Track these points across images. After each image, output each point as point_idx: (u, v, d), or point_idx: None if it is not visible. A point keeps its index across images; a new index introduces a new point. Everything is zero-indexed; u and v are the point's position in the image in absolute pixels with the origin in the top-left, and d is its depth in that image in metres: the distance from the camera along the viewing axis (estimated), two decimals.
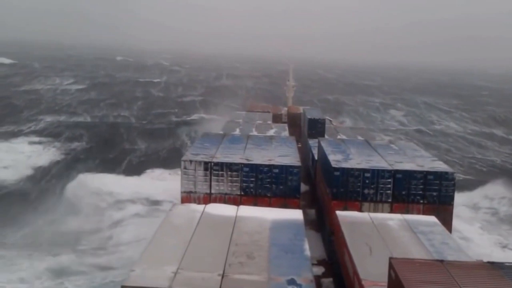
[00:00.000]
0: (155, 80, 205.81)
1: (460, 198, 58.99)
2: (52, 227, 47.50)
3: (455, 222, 32.07)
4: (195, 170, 30.04)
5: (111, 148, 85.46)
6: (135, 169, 71.04)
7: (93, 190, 57.09)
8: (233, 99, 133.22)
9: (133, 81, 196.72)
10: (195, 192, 30.07)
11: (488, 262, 17.21)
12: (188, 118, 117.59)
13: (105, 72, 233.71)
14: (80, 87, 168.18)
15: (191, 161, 30.18)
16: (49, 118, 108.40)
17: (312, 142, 45.90)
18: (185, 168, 30.10)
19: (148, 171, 69.46)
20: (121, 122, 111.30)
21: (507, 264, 17.07)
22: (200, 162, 30.20)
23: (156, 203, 55.13)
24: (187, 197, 30.01)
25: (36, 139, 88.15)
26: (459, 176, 73.73)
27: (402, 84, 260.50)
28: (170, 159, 74.89)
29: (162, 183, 63.13)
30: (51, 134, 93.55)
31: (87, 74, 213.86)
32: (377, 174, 29.90)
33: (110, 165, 72.94)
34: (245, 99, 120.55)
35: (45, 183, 65.26)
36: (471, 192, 64.13)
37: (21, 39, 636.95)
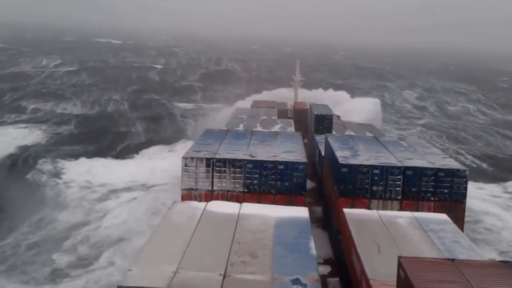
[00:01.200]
0: (150, 65, 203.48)
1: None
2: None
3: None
4: (196, 167, 29.42)
5: (101, 133, 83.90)
6: (126, 154, 71.41)
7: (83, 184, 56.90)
8: (234, 84, 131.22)
9: (128, 65, 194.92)
10: (196, 189, 29.43)
11: (501, 261, 16.59)
12: (182, 104, 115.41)
13: (99, 55, 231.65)
14: (70, 69, 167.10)
15: (192, 158, 29.57)
16: (36, 102, 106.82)
17: (319, 138, 45.20)
18: (186, 165, 29.48)
19: (139, 156, 70.20)
20: (113, 106, 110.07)
21: None
22: (202, 158, 29.57)
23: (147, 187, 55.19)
24: (188, 195, 29.37)
25: (22, 124, 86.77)
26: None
27: (416, 67, 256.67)
28: (164, 141, 75.24)
29: (153, 163, 63.92)
30: (38, 118, 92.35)
31: (79, 57, 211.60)
32: (386, 170, 29.15)
33: (99, 151, 72.23)
34: (248, 84, 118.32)
35: (29, 171, 61.67)
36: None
37: (14, 21, 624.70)
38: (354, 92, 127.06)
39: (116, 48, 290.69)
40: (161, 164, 62.73)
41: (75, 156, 66.99)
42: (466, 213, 29.84)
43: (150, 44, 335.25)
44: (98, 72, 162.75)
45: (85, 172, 60.65)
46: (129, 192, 54.69)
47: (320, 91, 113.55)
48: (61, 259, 38.73)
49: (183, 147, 57.73)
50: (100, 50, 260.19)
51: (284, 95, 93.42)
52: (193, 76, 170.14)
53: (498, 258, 18.57)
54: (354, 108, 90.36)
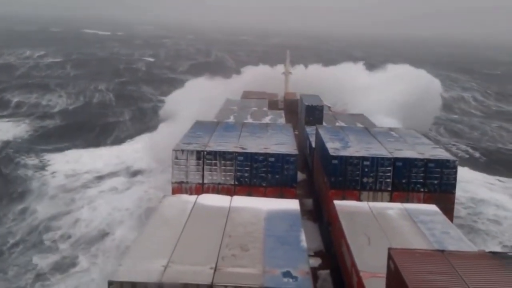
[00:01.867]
0: (139, 57, 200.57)
1: None
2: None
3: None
4: (186, 159, 29.30)
5: (87, 125, 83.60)
6: (113, 144, 72.07)
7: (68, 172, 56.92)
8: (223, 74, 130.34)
9: (115, 56, 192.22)
10: (187, 182, 29.33)
11: (490, 252, 16.67)
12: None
13: (86, 47, 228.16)
14: (54, 60, 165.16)
15: (182, 151, 29.43)
16: (20, 94, 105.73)
17: (310, 130, 45.15)
18: (176, 158, 29.34)
19: (127, 144, 71.52)
20: (99, 97, 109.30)
21: (510, 254, 16.49)
22: (192, 151, 29.45)
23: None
24: (178, 188, 29.26)
25: (5, 117, 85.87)
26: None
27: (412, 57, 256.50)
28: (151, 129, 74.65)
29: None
30: (22, 112, 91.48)
31: (65, 49, 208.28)
32: (376, 162, 29.20)
33: (86, 142, 72.37)
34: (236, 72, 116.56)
35: (13, 165, 61.39)
36: None
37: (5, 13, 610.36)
38: None
39: (103, 39, 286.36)
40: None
41: (61, 149, 66.96)
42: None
43: (139, 35, 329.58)
44: (84, 64, 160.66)
45: (72, 161, 61.32)
46: (113, 178, 55.67)
47: (317, 68, 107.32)
48: (42, 261, 38.17)
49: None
50: (87, 41, 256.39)
51: (268, 73, 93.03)
52: (182, 67, 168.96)
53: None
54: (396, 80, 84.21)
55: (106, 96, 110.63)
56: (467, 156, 76.78)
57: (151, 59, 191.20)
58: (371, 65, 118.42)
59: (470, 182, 58.08)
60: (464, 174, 54.90)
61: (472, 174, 63.64)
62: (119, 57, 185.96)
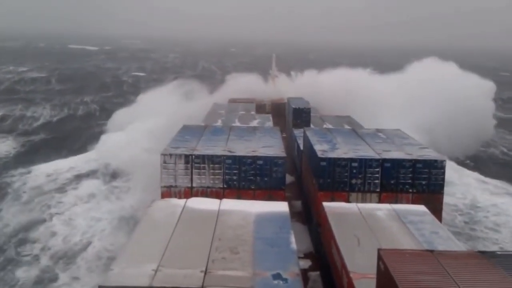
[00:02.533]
0: (125, 71, 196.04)
1: None
2: None
3: None
4: (175, 163, 29.24)
5: (72, 138, 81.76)
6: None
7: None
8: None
9: (102, 70, 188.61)
10: (176, 186, 29.28)
11: (479, 252, 16.75)
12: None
13: (74, 61, 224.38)
14: (40, 75, 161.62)
15: (171, 155, 29.38)
16: (3, 107, 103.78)
17: (297, 132, 45.24)
18: (164, 162, 29.28)
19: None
20: (83, 110, 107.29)
21: (499, 253, 16.59)
22: (180, 155, 29.39)
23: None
24: (167, 192, 29.20)
25: None
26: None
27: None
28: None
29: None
30: (6, 124, 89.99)
31: (51, 64, 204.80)
32: (364, 163, 29.30)
33: (71, 153, 70.61)
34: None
35: None
36: None
37: None
38: None
39: (90, 53, 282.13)
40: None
41: (46, 161, 65.34)
42: None
43: (126, 48, 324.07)
44: (69, 78, 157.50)
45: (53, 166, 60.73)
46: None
47: (314, 75, 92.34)
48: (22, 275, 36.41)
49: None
50: (73, 56, 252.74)
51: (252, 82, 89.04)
52: (168, 80, 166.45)
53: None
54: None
55: (91, 108, 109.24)
56: None
57: (139, 73, 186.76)
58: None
59: None
60: None
61: None
62: (105, 71, 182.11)
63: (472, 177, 60.68)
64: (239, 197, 28.29)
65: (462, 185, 56.13)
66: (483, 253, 16.50)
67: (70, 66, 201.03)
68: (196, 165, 29.25)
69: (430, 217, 25.37)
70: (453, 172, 56.09)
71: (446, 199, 32.99)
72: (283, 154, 30.24)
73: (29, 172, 58.50)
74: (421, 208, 26.65)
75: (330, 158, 29.45)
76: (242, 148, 31.17)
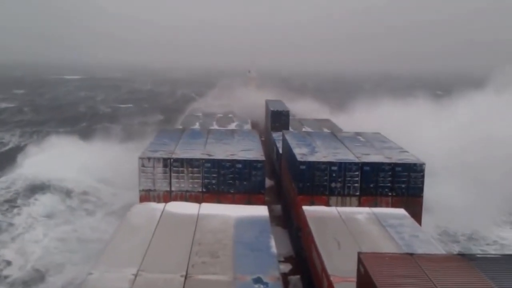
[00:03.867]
0: (100, 100, 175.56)
1: None
2: None
3: None
4: (153, 167, 29.05)
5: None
6: None
7: None
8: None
9: (79, 100, 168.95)
10: (154, 190, 29.07)
11: (459, 254, 16.91)
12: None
13: (50, 91, 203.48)
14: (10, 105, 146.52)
15: (149, 158, 29.17)
16: None
17: (276, 135, 45.31)
18: (143, 165, 29.06)
19: None
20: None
21: (478, 255, 16.73)
22: (159, 158, 29.22)
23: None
24: (146, 196, 28.98)
25: None
26: None
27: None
28: None
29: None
30: None
31: (25, 93, 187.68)
32: (344, 167, 29.38)
33: None
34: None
35: None
36: None
37: None
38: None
39: (69, 83, 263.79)
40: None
41: None
42: None
43: (107, 77, 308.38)
44: (43, 108, 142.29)
45: None
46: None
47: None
48: None
49: None
50: (51, 85, 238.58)
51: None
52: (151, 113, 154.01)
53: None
54: None
55: None
56: None
57: (117, 105, 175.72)
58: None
59: None
60: None
61: None
62: (82, 101, 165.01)
63: None
64: (218, 201, 28.17)
65: None
66: (462, 255, 16.63)
67: (47, 96, 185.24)
68: (174, 168, 29.07)
69: (409, 220, 25.51)
70: None
71: None
72: (262, 158, 30.21)
73: None
74: (401, 211, 26.78)
75: (309, 162, 29.47)
76: (221, 151, 31.07)
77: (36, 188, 50.67)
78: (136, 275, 17.91)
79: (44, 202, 47.45)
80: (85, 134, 79.67)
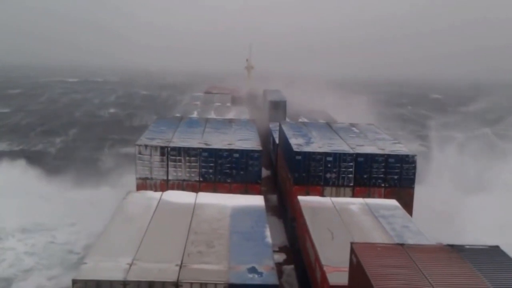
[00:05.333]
0: (99, 104, 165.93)
1: None
2: None
3: None
4: (150, 155, 29.20)
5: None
6: None
7: None
8: None
9: (76, 104, 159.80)
10: (151, 179, 29.27)
11: (448, 245, 17.23)
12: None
13: (47, 95, 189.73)
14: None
15: (146, 146, 29.31)
16: None
17: (273, 126, 45.52)
18: (140, 153, 29.19)
19: None
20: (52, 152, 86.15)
21: (467, 246, 17.10)
22: (156, 146, 29.36)
23: None
24: (143, 184, 29.17)
25: None
26: None
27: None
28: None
29: None
30: None
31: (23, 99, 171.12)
32: (339, 157, 29.70)
33: None
34: None
35: None
36: None
37: None
38: None
39: (66, 86, 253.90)
40: None
41: None
42: None
43: (109, 81, 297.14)
44: (41, 113, 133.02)
45: None
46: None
47: None
48: None
49: None
50: (47, 88, 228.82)
51: None
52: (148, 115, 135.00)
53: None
54: None
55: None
56: None
57: (114, 110, 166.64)
58: None
59: None
60: None
61: None
62: (78, 106, 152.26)
63: None
64: (215, 190, 28.41)
65: None
66: (451, 246, 17.01)
67: (40, 100, 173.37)
68: (172, 157, 29.25)
69: (401, 211, 25.91)
70: None
71: None
72: (259, 148, 30.44)
73: None
74: (393, 202, 27.19)
75: (305, 152, 29.76)
76: (218, 140, 31.27)
77: None
78: (130, 265, 18.00)
79: None
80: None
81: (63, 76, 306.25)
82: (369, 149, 31.00)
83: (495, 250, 16.83)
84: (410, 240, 21.48)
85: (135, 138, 32.95)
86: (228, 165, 29.54)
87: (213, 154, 29.54)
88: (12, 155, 73.76)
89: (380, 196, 29.23)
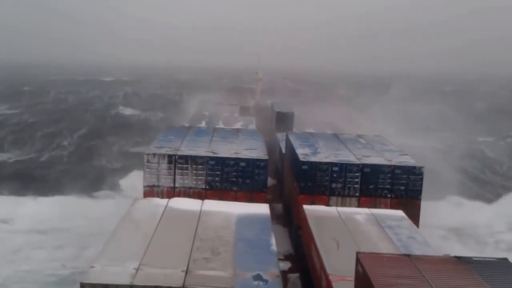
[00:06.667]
0: (107, 102, 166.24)
1: None
2: None
3: None
4: (158, 163, 29.40)
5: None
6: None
7: None
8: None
9: (85, 103, 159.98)
10: (158, 186, 29.43)
11: (455, 257, 17.15)
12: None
13: (55, 94, 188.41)
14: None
15: (154, 154, 29.52)
16: None
17: (280, 136, 45.68)
18: (148, 161, 29.42)
19: None
20: (58, 156, 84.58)
21: (474, 258, 17.01)
22: (164, 155, 29.56)
23: None
24: (150, 191, 29.33)
25: None
26: None
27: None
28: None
29: None
30: None
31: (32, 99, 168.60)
32: (345, 168, 29.74)
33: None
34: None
35: None
36: None
37: None
38: None
39: (74, 84, 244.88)
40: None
41: None
42: None
43: (114, 79, 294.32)
44: (45, 112, 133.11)
45: None
46: None
47: None
48: None
49: None
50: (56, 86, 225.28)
51: None
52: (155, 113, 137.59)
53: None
54: None
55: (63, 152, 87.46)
56: None
57: (122, 105, 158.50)
58: None
59: None
60: None
61: None
62: (86, 105, 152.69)
63: None
64: (221, 198, 28.47)
65: None
66: (459, 258, 16.92)
67: (51, 98, 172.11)
68: (179, 165, 29.42)
69: (407, 222, 25.84)
70: None
71: None
72: (266, 157, 30.53)
73: None
74: (399, 213, 27.14)
75: (311, 162, 29.83)
76: (225, 149, 31.42)
77: None
78: (137, 269, 18.11)
79: None
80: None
81: (71, 75, 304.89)
82: (375, 160, 31.01)
83: (504, 263, 16.73)
84: (417, 251, 21.38)
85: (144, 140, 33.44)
86: (234, 173, 29.65)
87: (220, 163, 29.66)
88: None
89: (386, 207, 29.18)
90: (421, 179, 29.83)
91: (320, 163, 29.87)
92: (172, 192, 29.23)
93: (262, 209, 25.77)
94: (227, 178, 29.61)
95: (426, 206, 30.98)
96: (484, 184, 68.58)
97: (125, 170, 63.81)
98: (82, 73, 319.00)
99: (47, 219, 44.20)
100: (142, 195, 29.33)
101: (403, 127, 75.90)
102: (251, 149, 32.16)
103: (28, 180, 62.84)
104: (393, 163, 30.39)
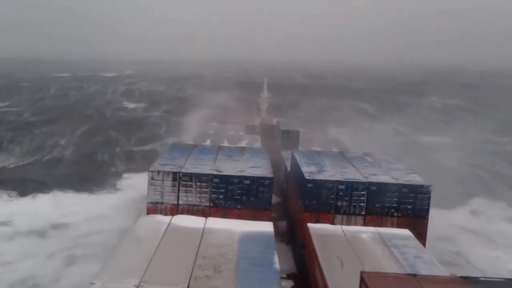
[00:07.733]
0: (110, 99, 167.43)
1: None
2: None
3: None
4: (162, 180, 29.25)
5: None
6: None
7: None
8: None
9: (86, 99, 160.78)
10: (162, 203, 29.22)
11: (462, 277, 16.82)
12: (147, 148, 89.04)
13: (56, 90, 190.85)
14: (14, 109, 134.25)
15: (158, 172, 29.37)
16: None
17: (286, 154, 45.47)
18: (152, 178, 29.27)
19: None
20: (57, 156, 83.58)
21: (482, 278, 16.68)
22: (168, 172, 29.41)
23: None
24: (153, 208, 29.11)
25: None
26: None
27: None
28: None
29: None
30: None
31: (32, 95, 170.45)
32: (351, 186, 29.44)
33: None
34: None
35: None
36: None
37: None
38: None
39: (76, 80, 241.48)
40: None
41: None
42: None
43: (114, 75, 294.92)
44: (47, 110, 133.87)
45: None
46: None
47: None
48: None
49: None
50: (57, 83, 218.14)
51: None
52: (157, 109, 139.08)
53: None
54: None
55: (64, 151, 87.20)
56: None
57: (125, 102, 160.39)
58: None
59: None
60: None
61: None
62: (88, 102, 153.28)
63: None
64: (225, 216, 28.26)
65: None
66: (465, 278, 16.60)
67: (53, 94, 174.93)
68: (183, 182, 29.24)
69: (414, 241, 25.46)
70: None
71: None
72: (270, 175, 30.30)
73: None
74: (406, 232, 26.77)
75: (316, 180, 29.56)
76: (230, 167, 31.22)
77: None
78: (137, 286, 18.00)
79: None
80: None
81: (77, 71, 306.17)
82: (382, 178, 30.67)
83: (511, 283, 16.36)
84: (423, 271, 21.01)
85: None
86: (238, 191, 29.40)
87: (224, 180, 29.45)
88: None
89: (392, 226, 28.80)
90: (429, 198, 29.44)
91: (325, 181, 29.58)
92: (175, 209, 29.04)
93: (266, 227, 25.54)
94: (231, 196, 29.38)
95: None
96: None
97: (126, 170, 67.25)
98: (91, 69, 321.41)
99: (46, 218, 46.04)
100: (142, 195, 29.06)
101: None
102: (256, 167, 31.95)
103: (28, 180, 64.12)
104: (400, 181, 30.05)
